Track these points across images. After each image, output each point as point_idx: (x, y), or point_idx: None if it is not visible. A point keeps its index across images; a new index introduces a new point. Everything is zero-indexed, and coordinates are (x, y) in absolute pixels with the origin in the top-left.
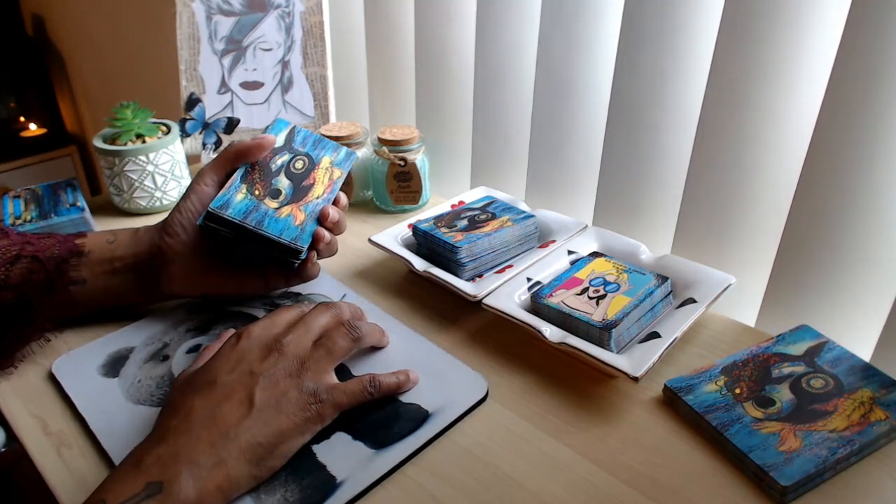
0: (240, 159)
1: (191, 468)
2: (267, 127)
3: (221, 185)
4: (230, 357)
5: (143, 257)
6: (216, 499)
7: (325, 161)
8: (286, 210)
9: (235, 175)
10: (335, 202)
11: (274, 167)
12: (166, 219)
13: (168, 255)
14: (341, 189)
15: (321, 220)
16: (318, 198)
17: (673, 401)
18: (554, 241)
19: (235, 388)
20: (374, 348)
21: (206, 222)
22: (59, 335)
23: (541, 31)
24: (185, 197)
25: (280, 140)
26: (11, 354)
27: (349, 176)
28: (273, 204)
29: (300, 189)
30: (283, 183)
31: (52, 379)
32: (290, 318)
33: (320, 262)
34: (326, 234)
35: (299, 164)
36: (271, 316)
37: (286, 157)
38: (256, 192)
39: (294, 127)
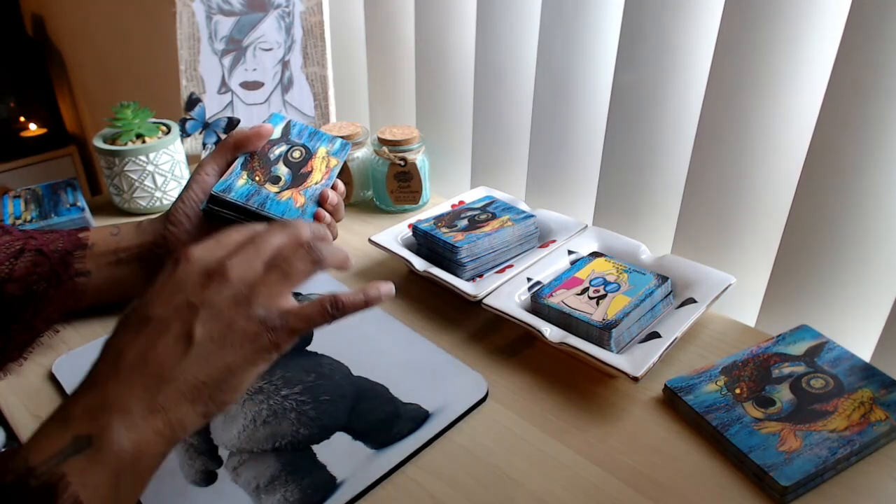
0: (239, 149)
1: (123, 417)
2: (263, 122)
3: (222, 174)
4: (166, 287)
5: (148, 247)
6: (158, 446)
7: (322, 151)
8: (286, 194)
9: (236, 163)
10: (333, 189)
11: (272, 156)
12: (169, 209)
13: (172, 243)
14: (339, 181)
15: (321, 202)
16: (316, 183)
17: (673, 401)
18: (554, 241)
19: (171, 324)
20: (376, 349)
21: (210, 206)
22: (59, 335)
23: (541, 31)
24: (187, 187)
25: (277, 132)
26: (20, 347)
27: (349, 175)
28: (273, 188)
29: (299, 176)
30: (282, 170)
31: (53, 379)
32: (240, 239)
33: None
34: (326, 216)
35: (296, 154)
36: (217, 236)
37: (283, 148)
38: (257, 178)
39: (289, 121)
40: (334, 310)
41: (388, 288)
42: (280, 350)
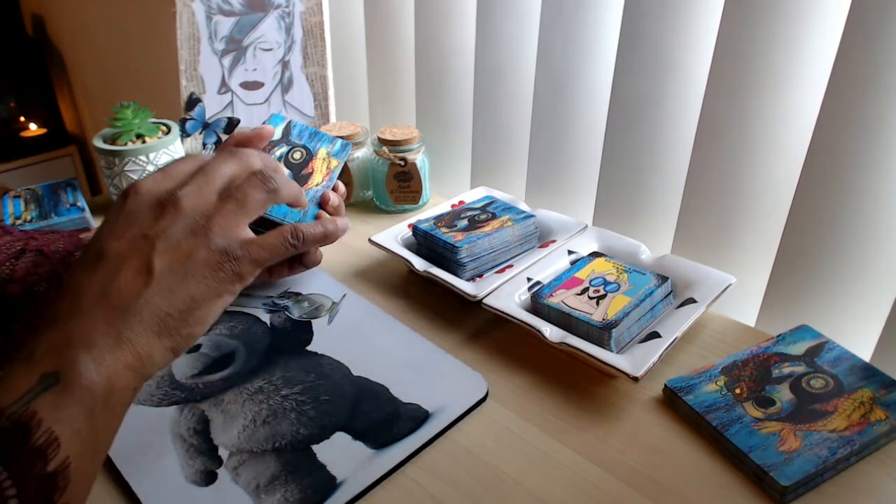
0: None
1: (89, 351)
2: (264, 122)
3: None
4: (118, 221)
5: None
6: (129, 379)
7: (322, 152)
8: None
9: None
10: (333, 190)
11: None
12: None
13: None
14: (340, 181)
15: (322, 204)
16: (317, 185)
17: (673, 401)
18: (554, 241)
19: (128, 257)
20: (376, 349)
21: None
22: None
23: (541, 30)
24: None
25: (277, 133)
26: (21, 347)
27: (349, 175)
28: None
29: (300, 177)
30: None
31: None
32: (188, 170)
33: (321, 251)
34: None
35: (297, 155)
36: (165, 168)
37: (284, 149)
38: None
39: (290, 121)
40: (295, 239)
41: (343, 223)
42: (243, 281)
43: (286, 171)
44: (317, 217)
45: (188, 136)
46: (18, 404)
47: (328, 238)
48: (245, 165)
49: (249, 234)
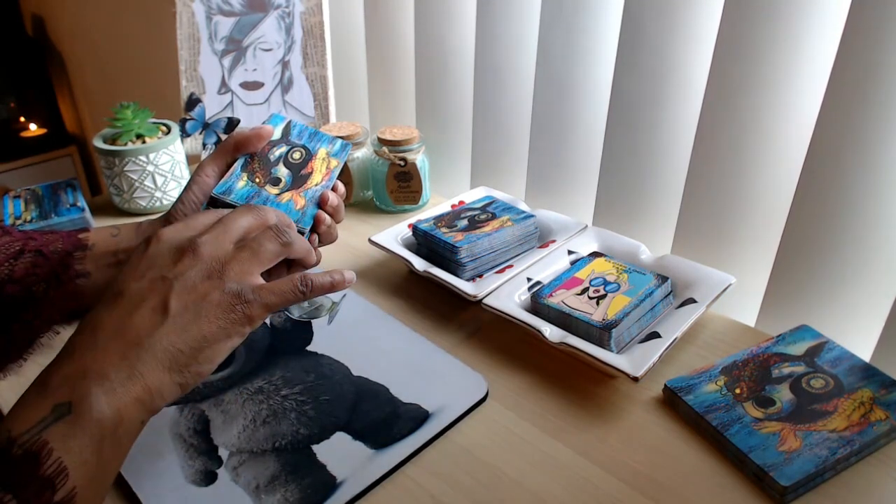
0: (239, 150)
1: (102, 383)
2: (263, 122)
3: (222, 175)
4: (139, 265)
5: None
6: (137, 412)
7: (322, 152)
8: (287, 196)
9: (236, 165)
10: (333, 190)
11: (272, 157)
12: (169, 210)
13: None
14: (339, 181)
15: (321, 204)
16: (316, 185)
17: (673, 401)
18: (554, 241)
19: (146, 297)
20: (376, 349)
21: (210, 208)
22: (59, 336)
23: (541, 31)
24: (186, 188)
25: (277, 133)
26: (21, 347)
27: (349, 176)
28: (274, 190)
29: (299, 177)
30: (283, 171)
31: None
32: (208, 221)
33: (321, 251)
34: (327, 218)
35: (297, 155)
36: (186, 219)
37: (284, 149)
38: (257, 180)
39: (290, 121)
40: (304, 286)
41: (350, 275)
42: (253, 324)
43: (285, 172)
44: (315, 217)
45: (188, 136)
46: (30, 433)
47: (335, 287)
48: (261, 220)
49: (262, 281)
